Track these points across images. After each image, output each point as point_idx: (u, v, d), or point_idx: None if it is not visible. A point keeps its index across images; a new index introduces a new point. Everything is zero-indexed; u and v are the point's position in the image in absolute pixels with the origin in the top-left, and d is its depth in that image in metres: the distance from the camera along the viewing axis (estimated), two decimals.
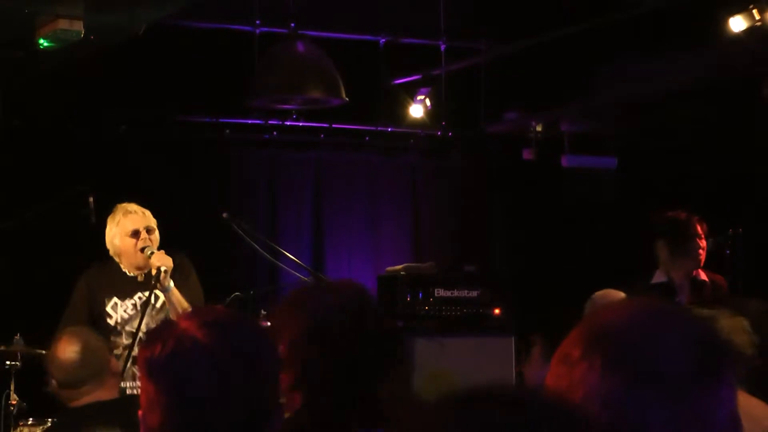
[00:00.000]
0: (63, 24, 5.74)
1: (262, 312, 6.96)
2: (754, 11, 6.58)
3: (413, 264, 8.24)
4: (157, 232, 5.86)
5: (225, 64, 8.00)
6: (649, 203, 7.40)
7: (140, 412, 1.96)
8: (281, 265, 7.19)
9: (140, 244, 5.76)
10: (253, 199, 8.71)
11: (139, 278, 5.87)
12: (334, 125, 8.84)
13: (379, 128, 9.01)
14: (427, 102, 8.49)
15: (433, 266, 8.12)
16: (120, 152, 8.06)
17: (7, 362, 5.82)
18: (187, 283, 5.81)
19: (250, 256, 7.43)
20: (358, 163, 9.14)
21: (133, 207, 5.88)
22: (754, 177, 7.99)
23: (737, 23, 6.65)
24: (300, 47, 7.27)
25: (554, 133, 8.89)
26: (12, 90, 7.36)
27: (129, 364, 5.65)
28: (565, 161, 8.86)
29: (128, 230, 5.80)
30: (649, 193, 8.46)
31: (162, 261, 5.65)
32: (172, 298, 5.67)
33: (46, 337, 6.14)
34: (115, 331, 5.83)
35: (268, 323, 6.60)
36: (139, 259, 5.79)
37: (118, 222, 5.83)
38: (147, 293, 5.78)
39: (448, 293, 7.91)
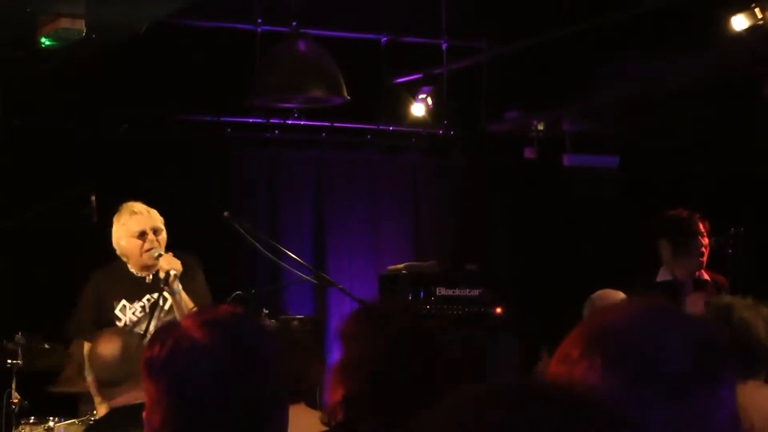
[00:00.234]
0: (65, 23, 5.73)
1: (264, 311, 6.96)
2: (756, 10, 6.58)
3: (415, 263, 8.25)
4: (164, 232, 5.78)
5: (226, 63, 8.00)
6: (651, 202, 7.41)
7: (144, 413, 1.96)
8: (283, 264, 7.18)
9: (147, 246, 5.69)
10: (255, 198, 8.71)
11: (147, 279, 5.80)
12: (335, 124, 8.84)
13: (380, 127, 9.01)
14: (429, 101, 8.49)
15: (435, 265, 8.13)
16: (121, 151, 8.06)
17: (9, 361, 5.81)
18: (194, 284, 5.74)
19: (251, 255, 7.42)
20: (360, 162, 9.14)
21: (138, 207, 5.81)
22: (756, 176, 7.99)
23: (739, 22, 6.65)
24: (301, 46, 7.27)
25: (556, 132, 8.89)
26: (13, 90, 7.36)
27: None
28: (566, 160, 8.85)
29: (134, 231, 5.73)
30: (651, 192, 8.46)
31: (171, 264, 5.59)
32: (179, 301, 5.62)
33: (48, 336, 6.17)
34: None
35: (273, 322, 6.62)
36: (146, 260, 5.72)
37: (124, 223, 5.76)
38: (155, 295, 5.73)
39: (450, 292, 7.92)
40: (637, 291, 5.62)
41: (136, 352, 4.52)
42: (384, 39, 8.56)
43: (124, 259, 5.80)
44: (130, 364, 4.43)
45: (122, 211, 5.82)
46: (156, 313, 5.70)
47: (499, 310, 7.91)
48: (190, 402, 1.89)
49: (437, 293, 7.90)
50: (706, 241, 6.06)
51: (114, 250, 5.89)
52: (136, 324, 5.82)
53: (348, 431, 2.48)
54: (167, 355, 1.91)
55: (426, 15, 8.18)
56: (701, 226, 6.08)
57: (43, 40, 5.86)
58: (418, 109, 8.56)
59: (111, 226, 5.93)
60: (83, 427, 5.84)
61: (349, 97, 7.40)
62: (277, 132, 8.75)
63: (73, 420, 5.93)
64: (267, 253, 6.84)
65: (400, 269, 8.01)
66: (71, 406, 6.67)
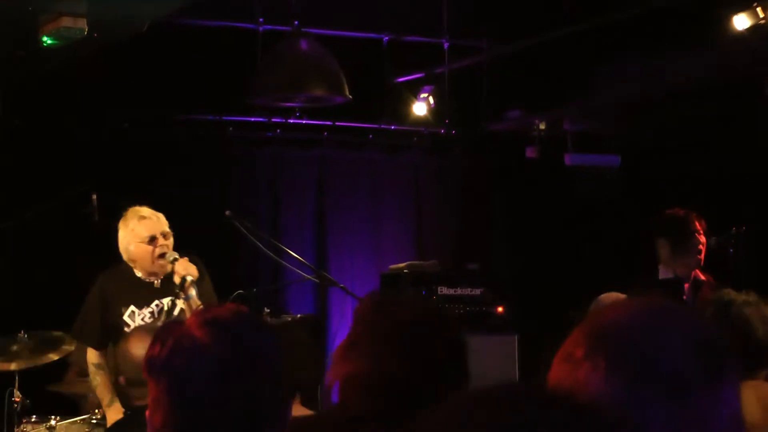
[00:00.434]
0: (66, 21, 5.72)
1: (265, 310, 6.97)
2: (758, 9, 6.57)
3: (416, 262, 8.25)
4: (171, 236, 5.70)
5: (228, 62, 8.00)
6: (652, 202, 7.40)
7: (147, 412, 1.95)
8: (284, 263, 7.18)
9: (159, 251, 5.60)
10: (256, 197, 8.71)
11: (156, 284, 5.72)
12: (337, 123, 8.84)
13: (382, 126, 9.01)
14: (430, 100, 8.49)
15: (436, 264, 8.13)
16: (122, 151, 8.06)
17: (11, 362, 5.81)
18: (203, 285, 5.65)
19: (252, 254, 7.42)
20: (361, 161, 9.14)
21: (146, 211, 5.70)
22: (757, 175, 7.99)
23: (741, 21, 6.65)
24: (303, 45, 7.28)
25: (557, 131, 8.89)
26: (13, 89, 7.36)
27: None
28: (568, 159, 8.85)
29: (144, 237, 5.62)
30: (652, 191, 8.46)
31: (187, 270, 5.52)
32: (193, 306, 5.56)
33: (50, 334, 6.17)
34: None
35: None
36: (156, 265, 5.64)
37: (132, 228, 5.65)
38: (164, 300, 5.66)
39: (451, 291, 7.93)
40: (639, 289, 5.62)
41: None
42: (386, 38, 8.57)
43: (131, 264, 5.71)
44: None
45: (129, 216, 5.71)
46: (163, 319, 5.64)
47: (500, 309, 7.91)
48: (190, 402, 1.88)
49: (439, 292, 7.90)
50: (703, 239, 6.06)
51: (117, 253, 5.82)
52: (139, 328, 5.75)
53: (342, 411, 2.48)
54: (168, 354, 1.91)
55: (427, 14, 8.18)
56: (698, 224, 6.08)
57: (44, 39, 5.85)
58: (419, 109, 8.56)
59: (112, 225, 5.90)
60: (85, 427, 5.85)
61: (350, 96, 7.41)
62: (278, 131, 8.76)
63: (74, 419, 5.94)
64: (268, 252, 6.84)
65: (402, 268, 8.01)
66: (73, 405, 6.69)
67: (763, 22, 6.57)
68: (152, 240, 5.62)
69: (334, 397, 2.54)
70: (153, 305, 5.70)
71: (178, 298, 5.57)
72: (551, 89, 8.49)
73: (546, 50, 7.86)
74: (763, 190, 7.94)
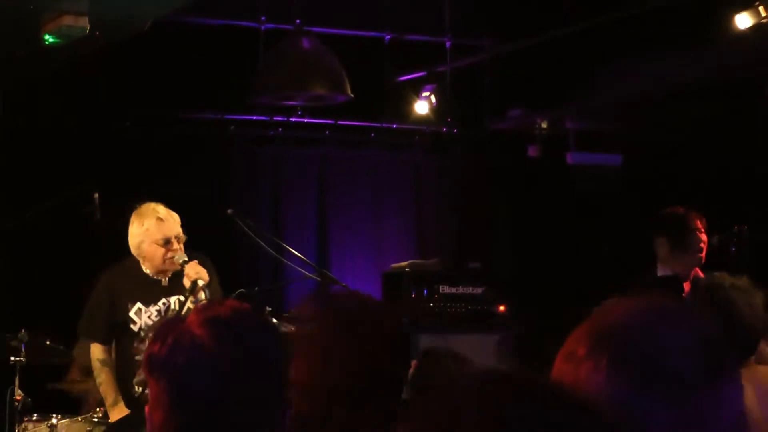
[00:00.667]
0: (68, 20, 5.72)
1: (267, 309, 6.96)
2: (760, 8, 6.57)
3: (418, 261, 8.25)
4: (183, 239, 5.67)
5: (230, 60, 8.00)
6: (654, 200, 7.40)
7: (147, 408, 1.94)
8: (286, 261, 7.18)
9: (171, 254, 5.58)
10: (258, 195, 8.71)
11: (164, 282, 5.70)
12: (338, 122, 8.84)
13: (383, 125, 9.01)
14: (432, 99, 8.49)
15: (438, 263, 8.13)
16: (124, 149, 8.06)
17: (12, 358, 5.82)
18: (210, 286, 5.61)
19: (253, 252, 7.42)
20: (363, 159, 9.13)
21: (163, 212, 5.66)
22: (759, 174, 7.98)
23: (743, 20, 6.64)
24: (305, 44, 7.28)
25: (559, 130, 8.88)
26: (15, 88, 7.36)
27: None
28: (569, 158, 8.85)
29: (159, 238, 5.60)
30: (654, 190, 8.45)
31: (198, 273, 5.49)
32: None
33: (52, 333, 6.17)
34: (139, 336, 5.62)
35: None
36: (167, 265, 5.62)
37: (148, 228, 5.61)
38: (171, 299, 5.64)
39: (453, 290, 7.92)
40: (638, 287, 5.61)
41: None
42: (387, 37, 8.56)
43: (140, 261, 5.69)
44: None
45: (144, 213, 5.67)
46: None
47: (501, 308, 7.91)
48: (190, 401, 1.87)
49: (440, 291, 7.90)
50: (704, 237, 6.05)
51: (119, 247, 5.79)
52: (151, 328, 5.74)
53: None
54: (168, 353, 1.89)
55: (429, 13, 8.18)
56: (699, 222, 6.07)
57: (46, 37, 5.84)
58: (421, 107, 8.56)
59: (114, 224, 5.88)
60: (86, 425, 5.85)
61: (352, 95, 7.40)
62: (280, 129, 8.75)
63: (75, 417, 5.94)
64: (270, 250, 6.83)
65: (404, 267, 8.01)
66: (74, 403, 6.69)
67: (765, 21, 6.57)
68: (167, 242, 5.60)
69: None
70: (160, 303, 5.68)
71: (187, 300, 5.54)
72: (553, 88, 8.49)
73: (548, 49, 7.85)
74: (765, 188, 7.93)
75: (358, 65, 7.60)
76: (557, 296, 8.33)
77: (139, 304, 5.66)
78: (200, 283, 5.45)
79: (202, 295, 5.46)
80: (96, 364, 5.70)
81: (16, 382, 5.82)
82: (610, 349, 1.41)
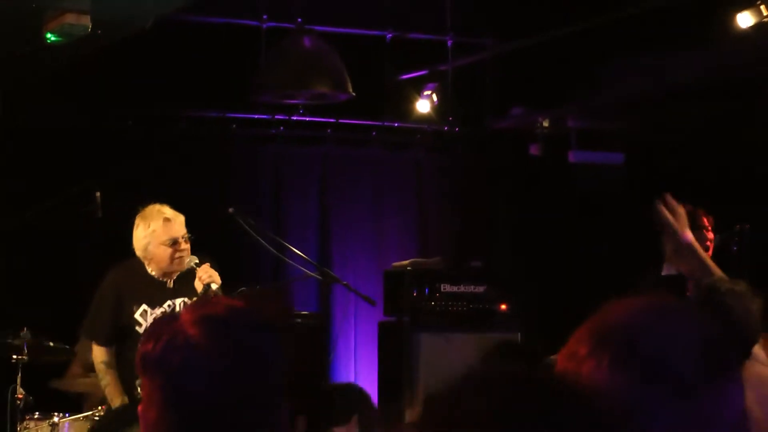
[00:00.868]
0: (70, 18, 5.72)
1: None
2: (762, 7, 6.57)
3: (420, 259, 8.25)
4: (190, 240, 5.65)
5: (231, 59, 7.99)
6: (656, 199, 7.38)
7: (140, 408, 1.93)
8: (287, 260, 7.19)
9: (179, 254, 5.56)
10: (259, 194, 8.71)
11: (169, 284, 5.67)
12: (340, 120, 8.84)
13: (385, 123, 9.01)
14: (434, 97, 8.48)
15: (440, 262, 8.12)
16: (126, 148, 8.06)
17: (14, 356, 5.82)
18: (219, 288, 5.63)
19: (254, 251, 7.43)
20: (364, 158, 9.13)
21: (169, 213, 5.64)
22: (761, 173, 7.98)
23: (744, 19, 6.64)
24: (307, 42, 7.28)
25: (561, 129, 8.88)
26: (16, 86, 7.36)
27: None
28: (571, 157, 8.84)
29: (166, 239, 5.57)
30: (656, 189, 8.44)
31: (212, 277, 5.47)
32: None
33: (53, 332, 6.18)
34: None
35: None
36: (175, 266, 5.60)
37: (155, 229, 5.58)
38: (177, 301, 5.59)
39: (455, 289, 7.92)
40: (642, 286, 5.61)
41: None
42: (389, 35, 8.56)
43: (146, 262, 5.65)
44: None
45: (150, 214, 5.63)
46: None
47: (503, 306, 7.91)
48: (184, 400, 1.86)
49: (442, 290, 7.90)
50: (711, 235, 6.04)
51: (121, 251, 5.78)
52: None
53: None
54: (161, 351, 1.88)
55: (431, 12, 8.18)
56: (705, 220, 6.07)
57: (48, 35, 5.84)
58: (423, 106, 8.55)
59: (116, 222, 5.88)
60: (87, 424, 5.85)
61: (353, 94, 7.41)
62: (281, 128, 8.75)
63: (77, 416, 5.94)
64: (272, 249, 6.84)
65: (405, 266, 8.01)
66: (76, 402, 6.69)
67: (766, 20, 6.56)
68: (174, 243, 5.57)
69: None
70: (165, 305, 5.64)
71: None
72: (554, 87, 8.49)
73: (549, 48, 7.85)
74: (767, 188, 7.92)
75: (359, 64, 7.60)
76: (559, 295, 8.33)
77: (144, 306, 5.62)
78: (213, 286, 5.42)
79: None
80: (100, 367, 5.68)
81: (18, 381, 5.83)
82: (612, 349, 1.41)
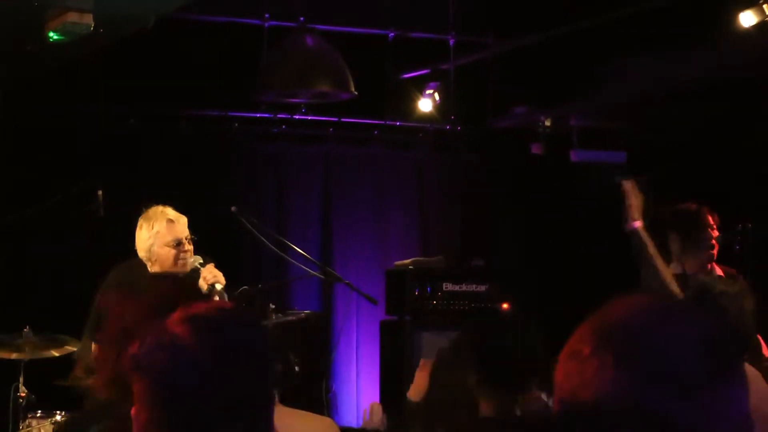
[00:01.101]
0: (72, 17, 5.71)
1: (271, 306, 6.97)
2: (764, 6, 6.56)
3: (422, 258, 8.25)
4: (192, 241, 5.63)
5: (233, 58, 8.00)
6: (658, 198, 7.39)
7: (132, 410, 1.94)
8: (289, 259, 7.19)
9: (183, 255, 5.54)
10: (261, 193, 8.71)
11: None
12: (342, 119, 8.84)
13: (387, 122, 9.01)
14: (436, 96, 8.49)
15: (442, 260, 8.13)
16: (128, 146, 8.07)
17: (16, 355, 5.82)
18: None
19: (255, 250, 7.43)
20: (367, 157, 9.14)
21: (172, 214, 5.62)
22: (764, 172, 7.98)
23: (747, 18, 6.63)
24: (309, 41, 7.28)
25: (563, 127, 8.87)
26: (18, 84, 7.36)
27: None
28: (573, 156, 8.84)
29: (170, 240, 5.55)
30: (658, 188, 8.44)
31: (216, 277, 5.46)
32: None
33: (55, 330, 6.18)
34: None
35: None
36: (179, 268, 5.55)
37: (158, 231, 5.56)
38: None
39: (457, 287, 7.93)
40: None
41: None
42: (391, 34, 8.56)
43: (148, 263, 5.63)
44: None
45: (153, 216, 5.61)
46: None
47: (505, 305, 7.91)
48: (172, 399, 1.86)
49: (444, 289, 7.90)
50: (716, 233, 6.04)
51: (123, 250, 5.77)
52: None
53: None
54: (148, 351, 1.89)
55: (433, 10, 8.17)
56: (710, 218, 6.07)
57: (51, 34, 5.84)
58: (424, 105, 8.56)
59: (118, 221, 5.87)
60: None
61: (356, 93, 7.40)
62: (284, 127, 8.76)
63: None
64: (274, 248, 6.84)
65: (407, 264, 8.01)
66: (77, 400, 6.69)
67: None
68: (178, 244, 5.57)
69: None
70: None
71: None
72: (556, 86, 8.48)
73: (552, 47, 7.85)
74: None
75: (361, 63, 7.60)
76: (560, 294, 8.33)
77: None
78: (218, 287, 5.42)
79: (217, 299, 5.40)
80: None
81: (21, 379, 5.84)
82: (615, 348, 1.41)
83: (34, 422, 5.85)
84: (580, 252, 8.97)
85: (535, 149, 8.93)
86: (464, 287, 7.95)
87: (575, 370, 1.42)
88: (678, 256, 6.09)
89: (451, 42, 8.55)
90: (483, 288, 7.98)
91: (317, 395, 7.43)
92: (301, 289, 8.50)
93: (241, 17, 8.12)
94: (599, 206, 9.02)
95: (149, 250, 5.58)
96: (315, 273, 7.22)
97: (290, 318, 7.24)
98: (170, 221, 5.59)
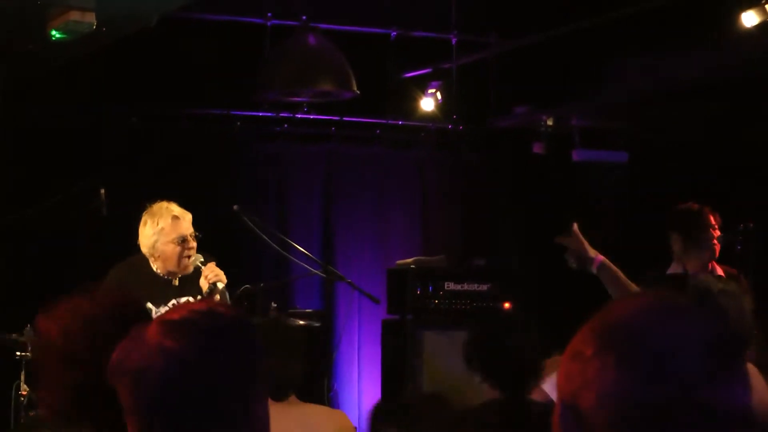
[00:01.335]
0: (75, 16, 5.71)
1: (272, 305, 6.97)
2: (767, 6, 6.56)
3: (424, 257, 8.25)
4: (196, 239, 5.63)
5: (236, 56, 8.00)
6: (660, 198, 7.39)
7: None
8: (291, 258, 7.19)
9: (187, 253, 5.54)
10: (263, 192, 8.71)
11: (174, 282, 5.62)
12: (344, 118, 8.84)
13: (389, 121, 9.01)
14: (438, 95, 8.49)
15: (444, 260, 8.13)
16: (130, 145, 8.07)
17: (18, 353, 5.83)
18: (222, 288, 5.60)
19: (257, 249, 7.43)
20: (369, 156, 9.13)
21: (177, 210, 5.60)
22: (765, 172, 7.97)
23: (749, 18, 6.63)
24: (311, 40, 7.28)
25: (564, 127, 8.87)
26: (21, 83, 7.37)
27: None
28: (575, 155, 8.84)
29: (175, 237, 5.53)
30: (660, 187, 8.44)
31: (218, 276, 5.45)
32: None
33: None
34: None
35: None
36: (181, 266, 5.57)
37: (163, 227, 5.54)
38: (181, 299, 5.51)
39: (458, 287, 7.93)
40: (648, 284, 5.61)
41: None
42: (393, 33, 8.56)
43: (151, 260, 5.61)
44: None
45: (159, 212, 5.60)
46: None
47: (507, 305, 7.91)
48: (149, 403, 1.85)
49: (446, 288, 7.90)
50: (717, 233, 6.05)
51: (124, 248, 5.76)
52: None
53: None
54: (124, 355, 1.88)
55: (435, 10, 8.18)
56: (712, 218, 6.07)
57: (53, 32, 5.85)
58: (427, 104, 8.56)
59: (118, 221, 5.87)
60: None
61: (358, 92, 7.41)
62: (286, 126, 8.76)
63: None
64: (275, 246, 6.84)
65: (409, 264, 8.01)
66: None
67: None
68: (183, 241, 5.54)
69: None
70: (170, 304, 5.56)
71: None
72: (558, 85, 8.48)
73: (553, 46, 7.85)
74: None
75: (363, 62, 7.61)
76: (562, 293, 8.32)
77: (148, 304, 5.51)
78: (220, 285, 5.40)
79: (218, 298, 5.40)
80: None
81: (22, 378, 5.84)
82: (617, 348, 1.42)
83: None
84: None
85: (537, 149, 8.93)
86: (466, 286, 7.95)
87: (577, 371, 1.43)
88: (679, 256, 6.09)
89: (453, 41, 8.55)
90: (485, 287, 7.98)
91: (318, 394, 7.43)
92: (302, 288, 8.51)
93: (244, 16, 8.12)
94: (601, 205, 9.04)
95: (153, 247, 5.56)
96: (317, 272, 7.22)
97: (295, 323, 7.20)
98: (175, 218, 5.56)
